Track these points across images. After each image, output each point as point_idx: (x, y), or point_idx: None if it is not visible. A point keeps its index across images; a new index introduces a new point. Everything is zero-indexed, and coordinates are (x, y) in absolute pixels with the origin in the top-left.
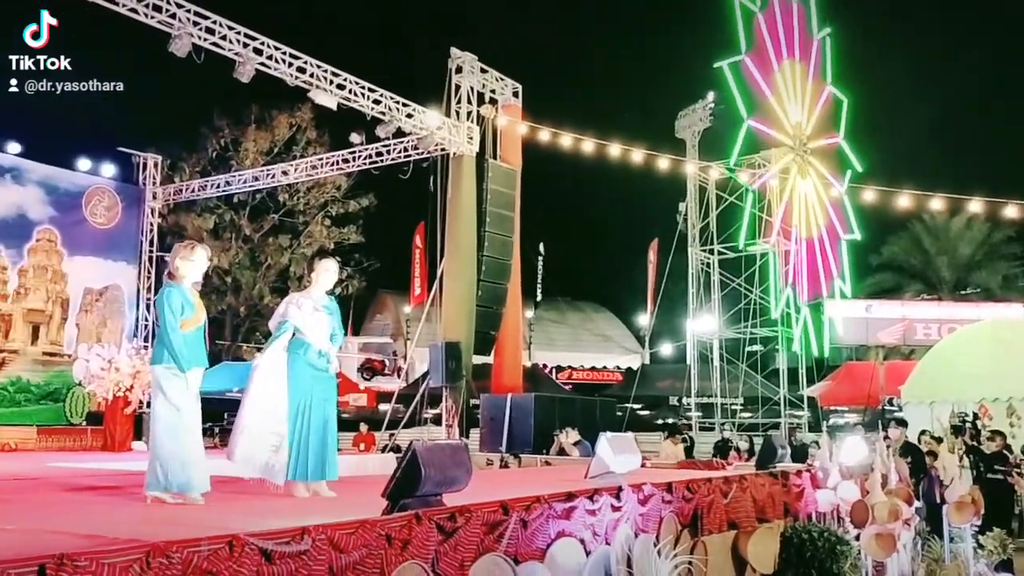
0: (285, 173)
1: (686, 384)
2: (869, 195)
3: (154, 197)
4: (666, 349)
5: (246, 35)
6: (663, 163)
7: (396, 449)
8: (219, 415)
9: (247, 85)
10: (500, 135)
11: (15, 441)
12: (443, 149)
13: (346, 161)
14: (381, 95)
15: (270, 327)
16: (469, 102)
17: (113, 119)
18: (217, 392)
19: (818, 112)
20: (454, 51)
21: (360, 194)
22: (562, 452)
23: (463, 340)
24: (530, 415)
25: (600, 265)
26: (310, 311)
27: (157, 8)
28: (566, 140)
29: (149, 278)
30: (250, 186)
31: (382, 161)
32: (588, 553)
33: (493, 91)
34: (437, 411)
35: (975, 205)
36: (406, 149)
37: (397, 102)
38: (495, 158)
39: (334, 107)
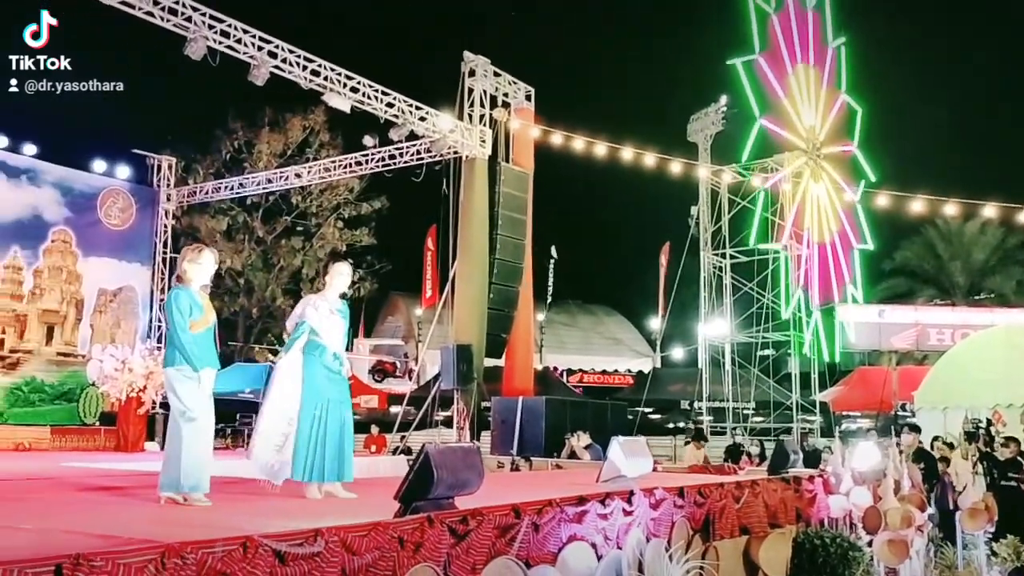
0: (298, 175)
1: (697, 388)
2: (882, 200)
3: (168, 199)
4: (677, 353)
5: (261, 38)
6: (675, 166)
7: (407, 451)
8: (231, 416)
9: (261, 88)
10: (512, 138)
11: (29, 441)
12: (456, 152)
13: (359, 164)
14: (394, 98)
15: (287, 328)
16: (482, 105)
17: (128, 121)
18: (229, 393)
19: (832, 119)
20: (467, 54)
21: (372, 196)
22: (573, 455)
23: (474, 343)
24: (541, 418)
25: (611, 268)
26: (326, 314)
27: (173, 11)
28: (578, 143)
29: (163, 279)
30: (263, 188)
31: (395, 164)
32: (600, 557)
33: (506, 94)
34: (448, 413)
35: (989, 210)
36: (419, 152)
37: (410, 105)
38: (507, 161)
39: (347, 110)
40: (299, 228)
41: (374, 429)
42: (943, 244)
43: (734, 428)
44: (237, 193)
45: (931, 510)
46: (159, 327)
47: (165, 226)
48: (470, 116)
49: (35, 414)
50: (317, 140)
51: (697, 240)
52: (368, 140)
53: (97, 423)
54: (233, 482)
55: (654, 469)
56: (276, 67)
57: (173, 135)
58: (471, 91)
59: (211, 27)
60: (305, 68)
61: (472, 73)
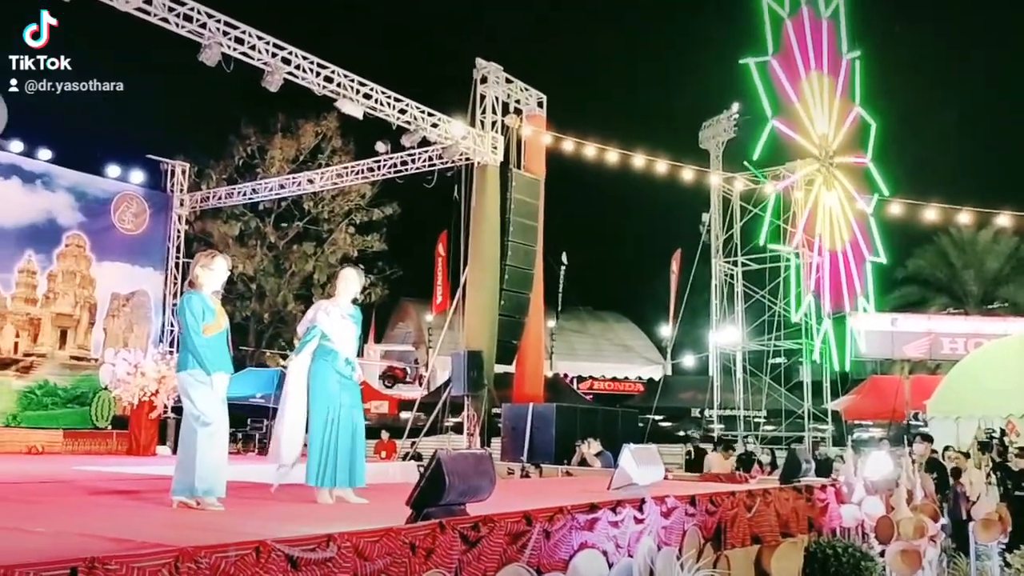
0: (311, 181)
1: (708, 396)
2: (895, 208)
3: (181, 204)
4: (688, 360)
5: (275, 44)
6: (687, 173)
7: (417, 457)
8: (243, 421)
9: (274, 93)
10: (524, 145)
11: (42, 444)
12: (467, 158)
13: (371, 170)
14: (407, 105)
15: (298, 333)
16: (494, 112)
17: (142, 127)
18: (241, 398)
19: (845, 129)
20: (479, 61)
21: (384, 202)
22: (583, 463)
23: (485, 349)
24: (552, 425)
25: (622, 275)
26: (338, 319)
27: (188, 18)
28: (590, 150)
29: (175, 284)
30: (276, 194)
31: (407, 170)
32: (611, 565)
33: (518, 101)
34: (458, 420)
35: (1003, 219)
36: (431, 158)
37: (423, 111)
38: (519, 167)
39: (360, 116)
40: (311, 233)
41: (384, 435)
42: (956, 253)
43: (746, 436)
44: (250, 198)
45: (944, 520)
46: (171, 331)
47: (178, 231)
48: (482, 122)
49: (48, 417)
50: (329, 146)
51: (708, 247)
52: (380, 146)
53: (109, 427)
54: (246, 486)
55: (665, 477)
56: (290, 73)
57: (187, 141)
58: (483, 98)
59: (226, 33)
60: (318, 74)
61: (484, 80)
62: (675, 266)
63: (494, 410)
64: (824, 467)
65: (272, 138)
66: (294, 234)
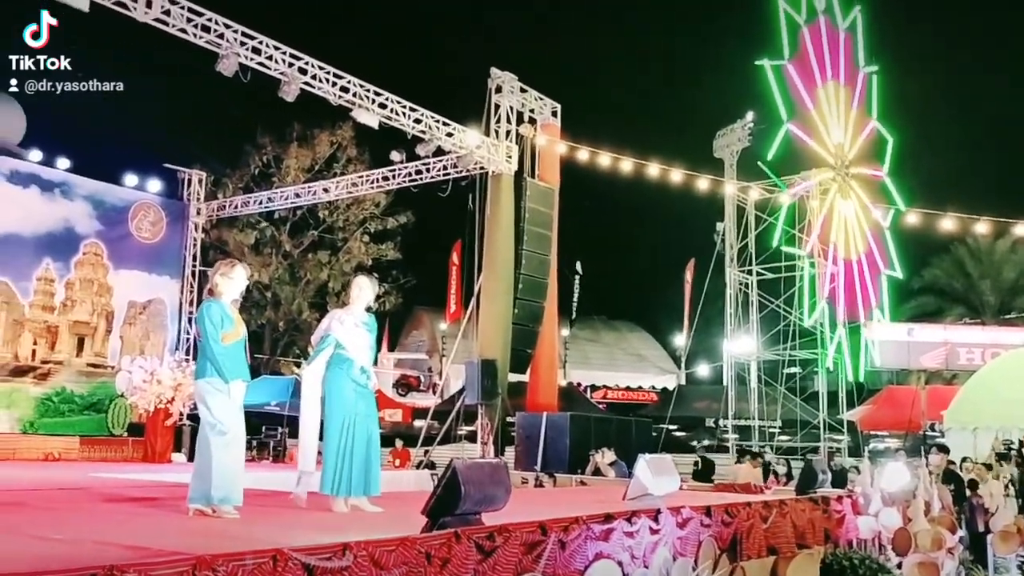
0: (326, 190)
1: (723, 406)
2: (911, 218)
3: (198, 213)
4: (702, 370)
5: (291, 55)
6: (701, 183)
7: (431, 465)
8: (257, 428)
9: (289, 103)
10: (539, 154)
11: (58, 451)
12: (482, 168)
13: (386, 179)
14: (422, 114)
15: (312, 342)
16: (508, 121)
17: (159, 136)
18: (256, 406)
19: (861, 141)
20: (494, 71)
21: (398, 211)
22: (597, 472)
23: (499, 358)
24: (565, 434)
25: (636, 284)
26: (352, 327)
27: (206, 28)
28: (604, 159)
29: (192, 292)
30: (291, 203)
31: (422, 179)
32: (626, 575)
33: (532, 111)
34: (472, 428)
35: (1021, 228)
36: (445, 167)
37: (437, 121)
38: (533, 177)
39: (375, 126)
40: (326, 242)
41: (398, 443)
42: (973, 262)
43: (762, 446)
44: (265, 207)
45: (961, 532)
46: (187, 339)
47: (194, 239)
48: (496, 132)
49: (65, 424)
50: (345, 155)
51: (723, 256)
52: (395, 155)
53: (125, 434)
54: (262, 494)
55: (680, 487)
56: (306, 83)
57: (203, 150)
58: (498, 107)
59: (243, 44)
60: (335, 84)
61: (499, 89)
62: (689, 275)
63: (508, 419)
64: (839, 478)
65: (288, 147)
66: (309, 243)
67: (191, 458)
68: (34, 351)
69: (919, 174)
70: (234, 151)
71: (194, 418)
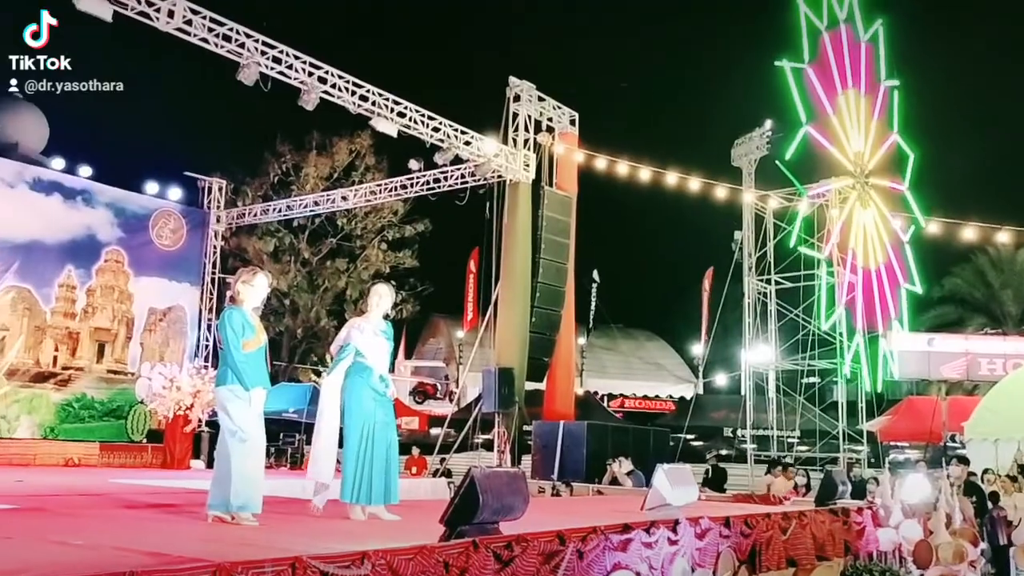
0: (344, 198)
1: (741, 415)
2: (932, 227)
3: (218, 220)
4: (720, 379)
5: (311, 64)
6: (719, 191)
7: (447, 473)
8: (275, 435)
9: (308, 111)
10: (556, 162)
11: (79, 456)
12: (500, 176)
13: (404, 187)
14: (440, 123)
15: (331, 351)
16: (526, 130)
17: (180, 144)
18: (274, 413)
19: (882, 153)
20: (512, 80)
21: (416, 219)
22: (615, 482)
23: (516, 366)
24: (583, 443)
25: (654, 293)
26: (371, 335)
27: (227, 38)
28: (622, 168)
29: (211, 299)
30: (310, 210)
31: (439, 187)
32: None
33: (550, 119)
34: (489, 436)
35: None
36: (463, 175)
37: (455, 129)
38: (551, 185)
39: (394, 134)
40: (344, 250)
41: (415, 451)
42: (994, 272)
43: (781, 456)
44: (284, 215)
45: (983, 545)
46: (207, 346)
47: (214, 247)
48: (514, 140)
49: (85, 430)
50: (363, 163)
51: (741, 265)
52: (413, 164)
53: (144, 440)
54: (280, 501)
55: (699, 498)
56: (326, 92)
57: (224, 158)
58: (516, 116)
59: (263, 53)
60: (354, 93)
61: (517, 98)
62: (707, 284)
63: (525, 427)
64: (859, 489)
65: (307, 155)
66: (327, 250)
67: (210, 465)
68: (55, 357)
69: (940, 186)
70: (254, 159)
71: (213, 425)
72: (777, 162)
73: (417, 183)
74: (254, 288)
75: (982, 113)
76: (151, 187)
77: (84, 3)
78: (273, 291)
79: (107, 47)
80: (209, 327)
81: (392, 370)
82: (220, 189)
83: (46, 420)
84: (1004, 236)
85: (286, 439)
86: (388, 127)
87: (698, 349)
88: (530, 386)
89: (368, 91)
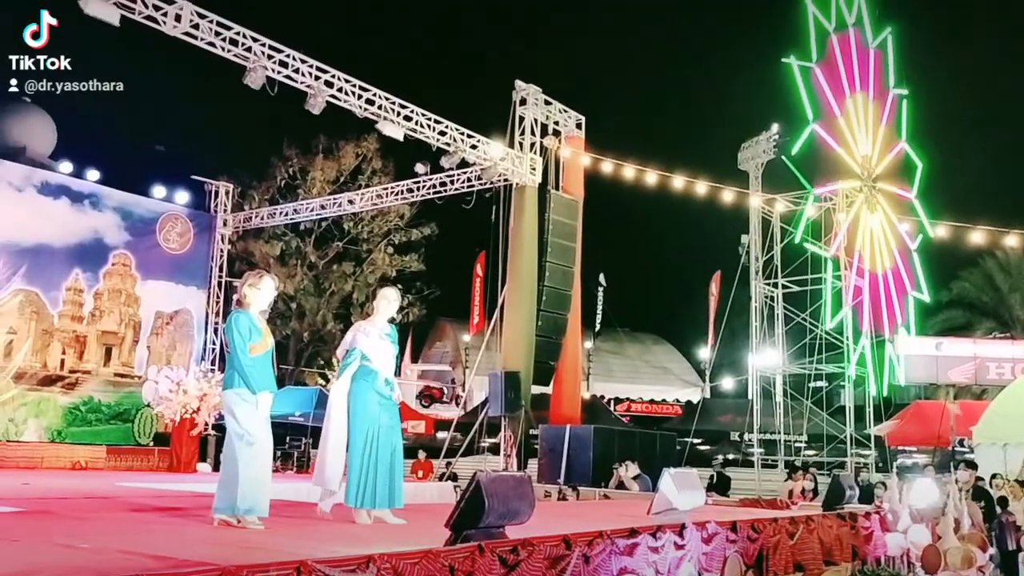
0: (351, 202)
1: (748, 419)
2: (941, 231)
3: (224, 224)
4: (727, 383)
5: (318, 68)
6: (726, 195)
7: (453, 477)
8: (281, 439)
9: (315, 115)
10: (563, 166)
11: (85, 459)
12: (506, 179)
13: (410, 191)
14: (447, 126)
15: (337, 355)
16: (533, 133)
17: (187, 148)
18: (280, 416)
19: (890, 159)
20: (518, 83)
21: (422, 223)
22: (621, 486)
23: (522, 370)
24: (589, 447)
25: (660, 297)
26: (376, 339)
27: (234, 42)
28: (628, 171)
29: (218, 303)
30: (317, 214)
31: (446, 191)
32: None
33: (556, 123)
34: (495, 440)
35: None
36: (469, 179)
37: (462, 133)
38: (557, 189)
39: (401, 138)
40: (350, 253)
41: (421, 455)
42: (1002, 276)
43: (789, 461)
44: (291, 219)
45: (992, 550)
46: (213, 350)
47: (221, 250)
48: (521, 144)
49: (92, 433)
50: (370, 167)
51: (748, 269)
52: (420, 167)
53: (151, 443)
54: (286, 505)
55: (705, 502)
56: (332, 96)
57: (230, 162)
58: (522, 119)
59: (270, 57)
60: (360, 97)
61: (523, 102)
62: (714, 288)
63: (531, 431)
64: (865, 493)
65: (313, 159)
66: (334, 254)
67: (216, 468)
68: (63, 361)
69: (948, 190)
70: (260, 163)
71: (219, 428)
72: (783, 157)
73: (423, 187)
74: (261, 291)
75: (990, 116)
76: (158, 191)
77: (92, 7)
78: (280, 295)
79: (108, 47)
80: (216, 331)
81: (398, 374)
82: (227, 193)
83: (53, 423)
84: (1012, 240)
85: (292, 443)
86: (395, 131)
87: (705, 353)
88: (536, 390)
89: (375, 95)
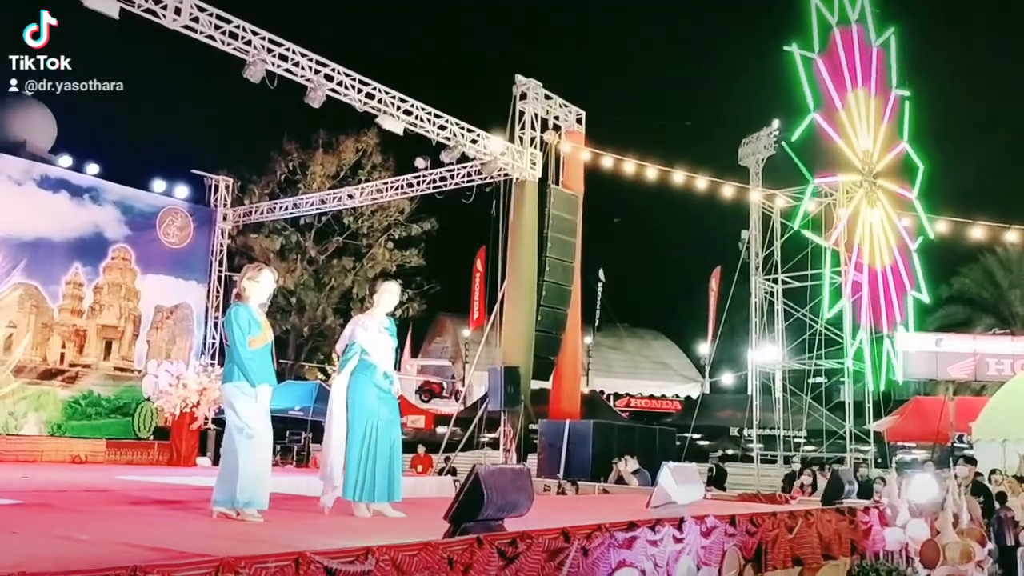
0: (351, 197)
1: (747, 415)
2: (941, 226)
3: (224, 218)
4: (727, 379)
5: (318, 62)
6: (726, 190)
7: (452, 471)
8: (281, 433)
9: (314, 109)
10: (563, 161)
11: (85, 453)
12: (506, 174)
13: (410, 185)
14: (447, 121)
15: (337, 350)
16: (533, 128)
17: (188, 142)
18: (280, 410)
19: (891, 158)
20: (519, 78)
21: (422, 218)
22: (620, 480)
23: (522, 365)
24: (589, 442)
25: (660, 292)
26: (375, 333)
27: (233, 36)
28: (629, 166)
29: (218, 297)
30: (316, 209)
31: (446, 186)
32: None
33: (557, 117)
34: (495, 435)
35: None
36: (469, 174)
37: (462, 128)
38: (557, 184)
39: (400, 132)
40: (350, 248)
41: (420, 449)
42: (1002, 272)
43: (791, 456)
44: (291, 213)
45: (991, 545)
46: (213, 344)
47: (221, 245)
48: (521, 139)
49: (92, 427)
50: (369, 162)
51: (748, 264)
52: (420, 162)
53: (151, 437)
54: (286, 498)
55: (704, 496)
56: (332, 90)
57: (231, 156)
58: (522, 114)
59: (270, 51)
60: (360, 91)
61: (524, 96)
62: (714, 283)
63: (530, 426)
64: (864, 489)
65: (313, 154)
66: (334, 249)
67: (216, 462)
68: (62, 354)
69: (948, 186)
70: (261, 157)
71: (219, 422)
72: (783, 144)
73: (423, 181)
74: (260, 284)
75: (991, 112)
76: (158, 185)
77: (91, 0)
78: (279, 289)
79: (108, 47)
80: (216, 325)
81: (398, 368)
82: (227, 187)
83: (53, 417)
84: (1012, 236)
85: (292, 437)
86: (395, 125)
87: (704, 348)
88: (536, 385)
89: (375, 89)
